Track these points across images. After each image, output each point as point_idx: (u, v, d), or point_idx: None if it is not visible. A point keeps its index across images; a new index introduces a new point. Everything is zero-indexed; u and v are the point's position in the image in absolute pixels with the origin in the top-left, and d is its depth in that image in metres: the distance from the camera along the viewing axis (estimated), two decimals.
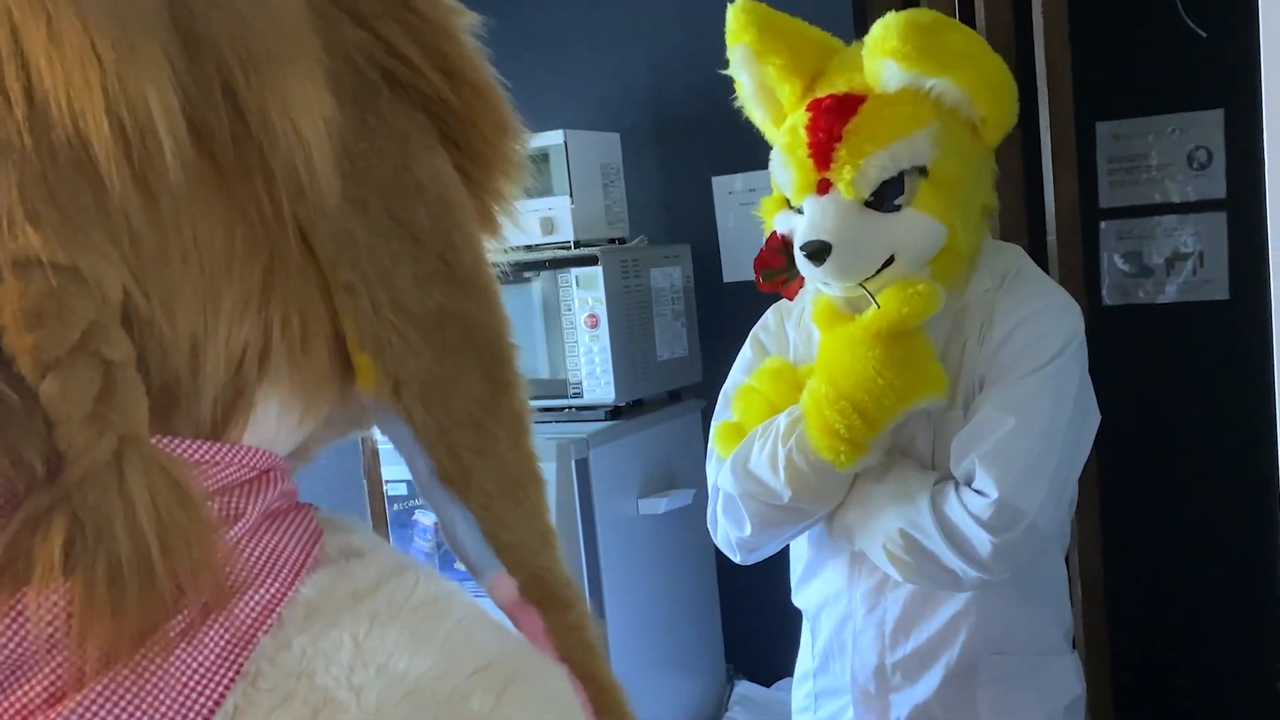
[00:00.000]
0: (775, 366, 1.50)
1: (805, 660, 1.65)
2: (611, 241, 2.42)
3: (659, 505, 2.32)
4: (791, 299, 1.53)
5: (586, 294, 2.23)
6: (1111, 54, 2.75)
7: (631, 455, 2.32)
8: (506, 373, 0.50)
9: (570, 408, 2.32)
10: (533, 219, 2.30)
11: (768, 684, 2.58)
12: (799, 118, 1.40)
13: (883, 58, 1.34)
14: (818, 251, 1.37)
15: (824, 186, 1.38)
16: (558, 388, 2.29)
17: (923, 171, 1.37)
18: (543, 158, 2.29)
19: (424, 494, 0.49)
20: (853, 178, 1.35)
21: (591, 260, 2.24)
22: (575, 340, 2.26)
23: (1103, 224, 2.93)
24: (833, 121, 1.36)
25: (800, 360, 1.50)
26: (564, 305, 2.26)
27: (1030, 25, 2.23)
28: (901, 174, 1.36)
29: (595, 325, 2.23)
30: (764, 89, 1.46)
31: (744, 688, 2.61)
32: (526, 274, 2.28)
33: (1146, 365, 2.81)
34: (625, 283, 2.30)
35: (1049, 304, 1.42)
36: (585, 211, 2.34)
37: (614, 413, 2.31)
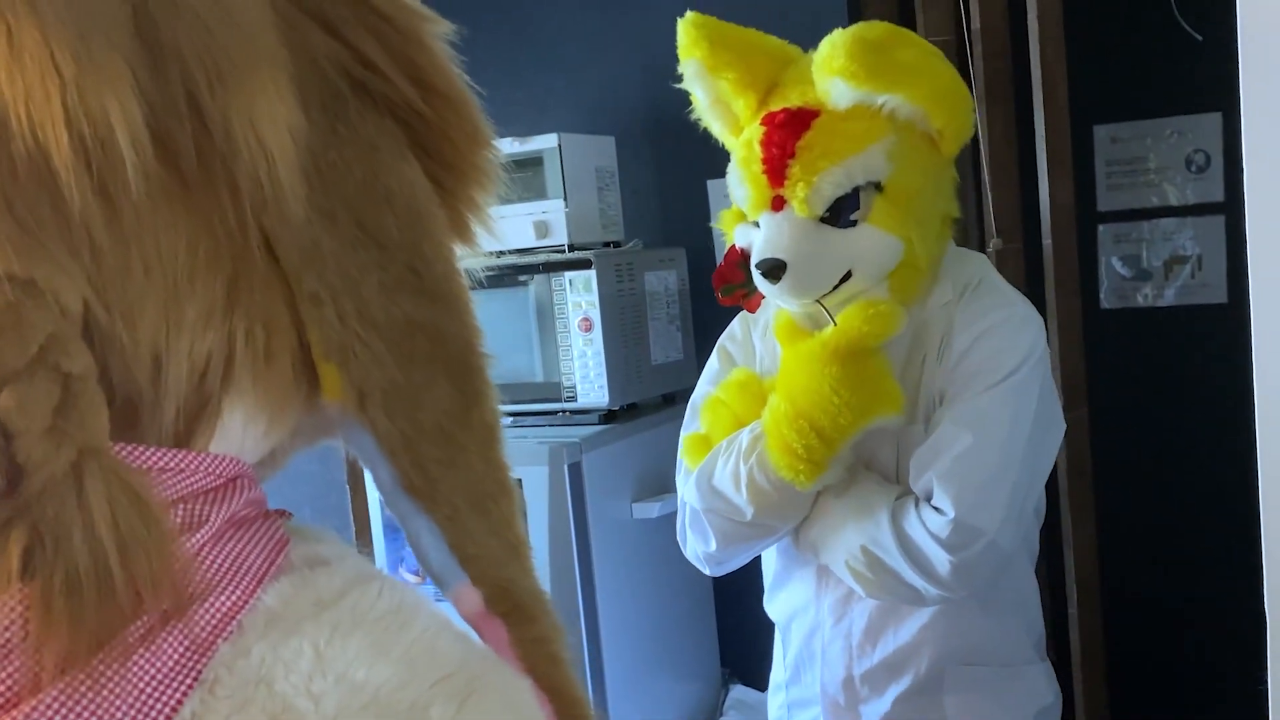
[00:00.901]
0: (741, 378, 1.48)
1: (778, 670, 1.65)
2: (606, 245, 2.42)
3: (653, 509, 2.31)
4: (753, 312, 1.52)
5: (580, 297, 2.23)
6: (1109, 58, 2.74)
7: (625, 459, 2.31)
8: (476, 383, 0.50)
9: (564, 411, 2.31)
10: (526, 222, 2.30)
11: (762, 688, 2.57)
12: (754, 132, 1.38)
13: (830, 76, 1.32)
14: (773, 269, 1.36)
15: (778, 203, 1.36)
16: (551, 391, 2.29)
17: (878, 187, 1.35)
18: (537, 161, 2.29)
19: (389, 504, 0.49)
20: (806, 195, 1.34)
21: (586, 264, 2.23)
22: (569, 344, 2.25)
23: (1100, 227, 2.93)
24: (786, 137, 1.34)
25: (767, 372, 1.49)
26: (558, 309, 2.25)
27: (1025, 29, 2.23)
28: (856, 189, 1.35)
29: (589, 329, 2.23)
30: (719, 102, 1.45)
31: (739, 692, 2.61)
32: (521, 277, 2.27)
33: (1144, 369, 2.81)
34: (619, 286, 2.30)
35: (1008, 317, 1.41)
36: (579, 215, 2.33)
37: (608, 416, 2.30)
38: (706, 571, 1.56)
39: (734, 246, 1.46)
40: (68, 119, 0.37)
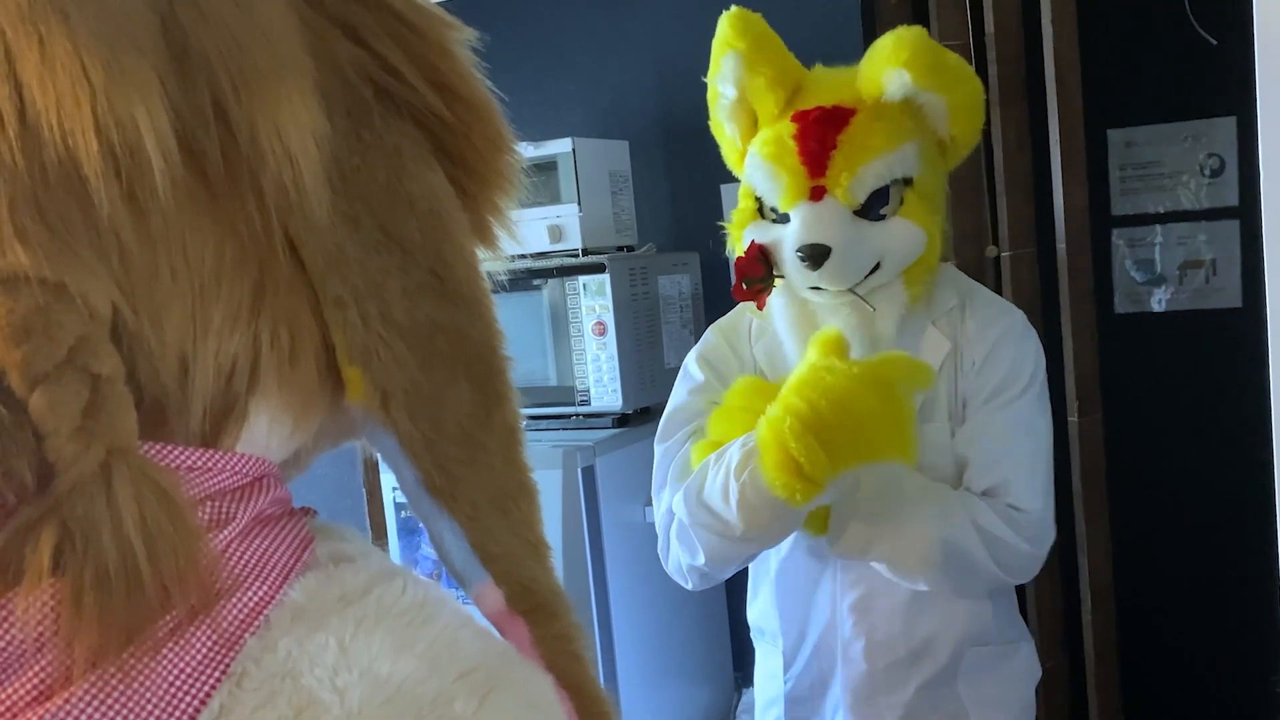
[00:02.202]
0: (755, 383, 1.46)
1: (772, 684, 1.65)
2: (620, 249, 2.42)
3: None
4: (761, 309, 1.53)
5: (594, 301, 2.23)
6: (1124, 61, 2.74)
7: (638, 463, 2.31)
8: (497, 385, 0.50)
9: (577, 415, 2.32)
10: (541, 227, 2.30)
11: None
12: (783, 128, 1.42)
13: (896, 67, 1.38)
14: (817, 254, 1.39)
15: (819, 193, 1.40)
16: (565, 395, 2.29)
17: (907, 182, 1.42)
18: (551, 166, 2.29)
19: (412, 504, 0.50)
20: (850, 184, 1.39)
21: (599, 268, 2.24)
22: (583, 348, 2.26)
23: (1114, 231, 2.93)
24: (826, 131, 1.40)
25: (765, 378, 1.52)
26: (571, 313, 2.26)
27: (1039, 33, 2.23)
28: (887, 185, 1.41)
29: (603, 333, 2.23)
30: (742, 100, 1.47)
31: (751, 696, 2.60)
32: (535, 281, 2.28)
33: (1158, 374, 2.80)
34: (633, 290, 2.30)
35: (1012, 322, 1.51)
36: (593, 219, 2.34)
37: (621, 420, 2.30)
38: (689, 585, 1.52)
39: (753, 242, 1.48)
40: (97, 126, 0.38)
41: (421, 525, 0.51)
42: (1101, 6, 2.61)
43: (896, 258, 1.43)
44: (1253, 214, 2.77)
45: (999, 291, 2.52)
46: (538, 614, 0.50)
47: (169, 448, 0.41)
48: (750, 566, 1.61)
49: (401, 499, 2.26)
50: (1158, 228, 2.86)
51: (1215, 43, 2.54)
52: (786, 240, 1.43)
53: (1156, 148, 2.86)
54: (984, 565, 1.41)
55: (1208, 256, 2.83)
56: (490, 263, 0.52)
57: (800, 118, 1.42)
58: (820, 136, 1.40)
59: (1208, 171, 2.82)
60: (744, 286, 1.49)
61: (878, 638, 1.51)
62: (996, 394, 1.45)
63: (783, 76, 1.44)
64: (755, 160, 1.46)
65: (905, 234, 1.42)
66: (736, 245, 1.52)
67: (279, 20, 0.44)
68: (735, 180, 2.52)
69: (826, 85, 1.45)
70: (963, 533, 1.40)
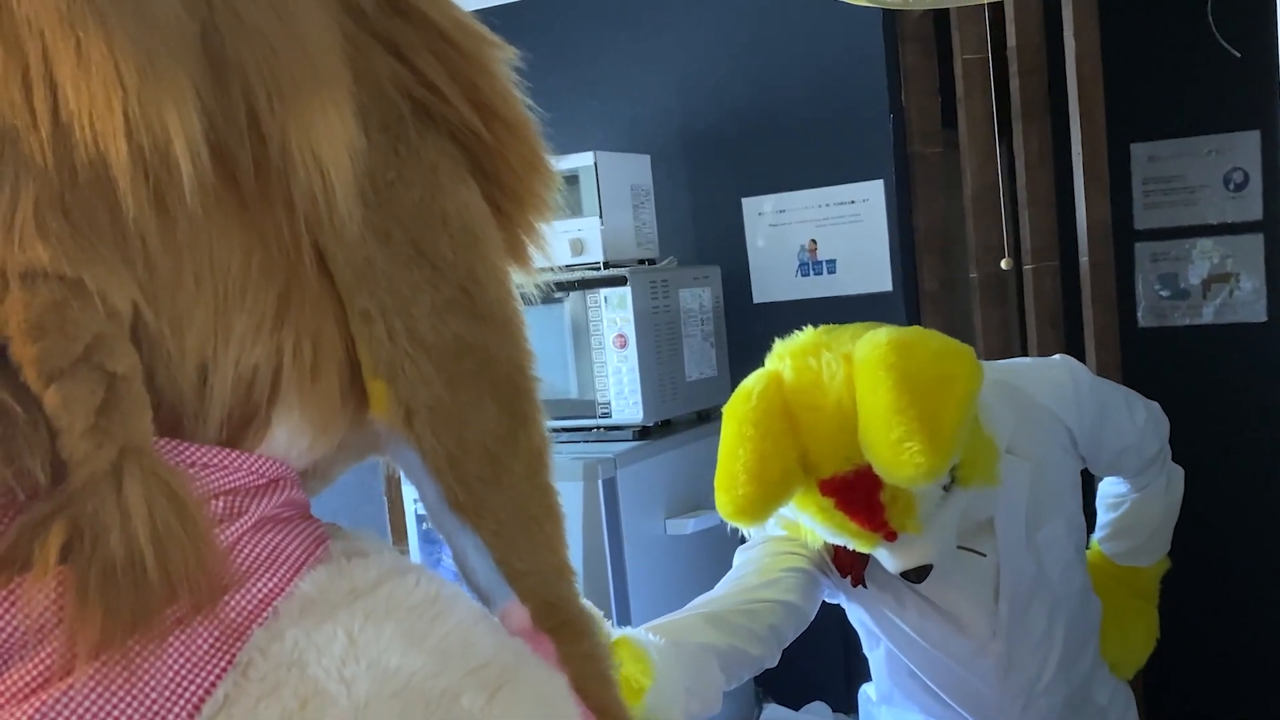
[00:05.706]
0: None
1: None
2: (641, 262, 2.42)
3: (686, 526, 2.31)
4: (856, 584, 1.58)
5: (615, 314, 2.23)
6: (1148, 76, 2.73)
7: (659, 475, 2.31)
8: (525, 406, 0.50)
9: (598, 428, 2.32)
10: (562, 240, 2.31)
11: (796, 706, 2.56)
12: (821, 501, 1.38)
13: (919, 485, 1.33)
14: (922, 573, 1.44)
15: (891, 535, 1.40)
16: (586, 408, 2.29)
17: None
18: (573, 179, 2.30)
19: (434, 522, 0.49)
20: (916, 518, 1.38)
21: (621, 281, 2.24)
22: (604, 360, 2.26)
23: (1138, 245, 2.91)
24: (866, 498, 1.36)
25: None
26: (593, 325, 2.26)
27: (1062, 46, 2.22)
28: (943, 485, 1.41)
29: (624, 345, 2.23)
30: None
31: (772, 710, 2.59)
32: (556, 294, 2.28)
33: (1182, 388, 2.78)
34: (654, 303, 2.30)
35: (1060, 385, 1.63)
36: (615, 232, 2.34)
37: (642, 433, 2.30)
38: None
39: (841, 548, 1.49)
40: (128, 129, 0.38)
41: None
42: (1124, 20, 2.61)
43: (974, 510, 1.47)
44: (1277, 228, 2.75)
45: (1021, 305, 2.51)
46: (564, 631, 0.49)
47: (185, 445, 0.41)
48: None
49: (424, 510, 2.27)
50: (1181, 242, 2.85)
51: (1238, 55, 2.54)
52: (880, 559, 1.46)
53: (1180, 161, 2.85)
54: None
55: (1231, 271, 2.82)
56: (521, 280, 0.52)
57: (830, 490, 1.37)
58: (865, 505, 1.36)
59: (1231, 185, 2.80)
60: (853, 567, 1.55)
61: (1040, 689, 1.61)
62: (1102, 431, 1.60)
63: (785, 467, 1.36)
64: (811, 522, 1.45)
65: (969, 497, 1.44)
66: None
67: (319, 33, 0.44)
68: (757, 193, 2.55)
69: (829, 441, 1.35)
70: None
